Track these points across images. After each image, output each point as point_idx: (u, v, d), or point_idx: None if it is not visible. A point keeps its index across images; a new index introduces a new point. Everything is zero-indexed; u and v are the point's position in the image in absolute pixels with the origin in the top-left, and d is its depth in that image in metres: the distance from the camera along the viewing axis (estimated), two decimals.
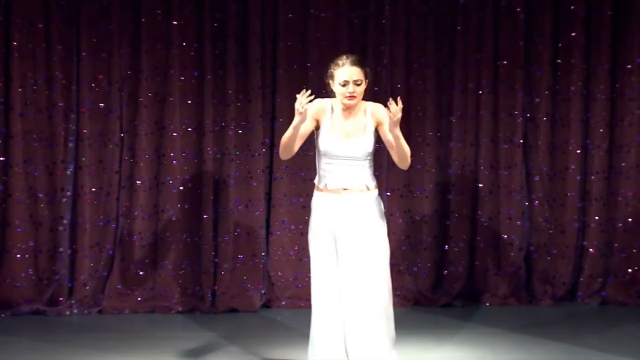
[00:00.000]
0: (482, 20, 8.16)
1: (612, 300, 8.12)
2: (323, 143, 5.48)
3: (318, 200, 5.57)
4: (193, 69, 7.95)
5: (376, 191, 5.57)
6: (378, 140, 5.55)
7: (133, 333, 7.19)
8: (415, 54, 8.16)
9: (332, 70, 5.44)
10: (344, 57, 5.49)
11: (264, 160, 8.05)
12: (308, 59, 8.07)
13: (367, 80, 5.45)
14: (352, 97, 5.35)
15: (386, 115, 5.44)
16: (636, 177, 8.20)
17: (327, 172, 5.53)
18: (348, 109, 5.46)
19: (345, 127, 5.45)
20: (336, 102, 5.50)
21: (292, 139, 5.43)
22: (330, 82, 5.46)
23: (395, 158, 5.48)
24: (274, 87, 8.09)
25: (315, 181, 5.62)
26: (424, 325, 7.27)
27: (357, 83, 5.34)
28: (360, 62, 5.47)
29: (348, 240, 5.48)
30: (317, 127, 5.53)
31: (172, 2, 7.87)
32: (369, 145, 5.47)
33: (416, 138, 8.15)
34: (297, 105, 5.22)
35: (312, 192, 7.99)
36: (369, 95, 7.42)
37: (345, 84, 5.31)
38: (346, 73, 5.34)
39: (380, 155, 7.96)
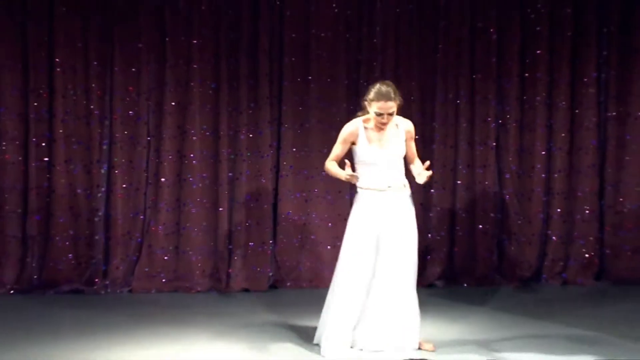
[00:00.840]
0: (460, 40, 8.40)
1: (572, 281, 8.38)
2: (365, 154, 5.79)
3: (363, 198, 5.86)
4: (210, 81, 8.16)
5: (409, 190, 5.91)
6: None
7: (159, 309, 7.40)
8: (403, 69, 8.36)
9: (369, 98, 5.73)
10: (381, 89, 5.73)
11: (271, 161, 8.26)
12: (310, 72, 8.28)
13: (398, 104, 5.72)
14: (385, 124, 5.72)
15: (412, 132, 5.97)
16: (592, 175, 8.47)
17: (370, 176, 5.82)
18: (378, 127, 5.79)
19: (380, 139, 5.80)
20: (367, 119, 5.85)
21: (334, 176, 5.94)
22: (367, 104, 5.77)
23: (410, 167, 5.96)
24: (280, 97, 8.29)
25: (358, 183, 5.87)
26: None
27: (390, 113, 5.66)
28: (393, 96, 5.72)
29: (391, 231, 5.78)
30: (353, 143, 5.86)
31: (193, 24, 8.10)
32: (402, 151, 5.84)
33: None
34: (346, 176, 5.70)
35: (313, 188, 8.38)
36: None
37: (380, 115, 5.65)
38: (381, 107, 5.64)
39: None
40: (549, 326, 6.60)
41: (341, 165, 5.86)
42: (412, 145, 5.98)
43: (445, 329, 6.58)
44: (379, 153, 5.80)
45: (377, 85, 5.75)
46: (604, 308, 7.50)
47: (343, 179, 5.83)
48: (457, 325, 6.71)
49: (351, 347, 5.80)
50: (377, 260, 5.80)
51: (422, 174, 5.77)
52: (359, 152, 5.85)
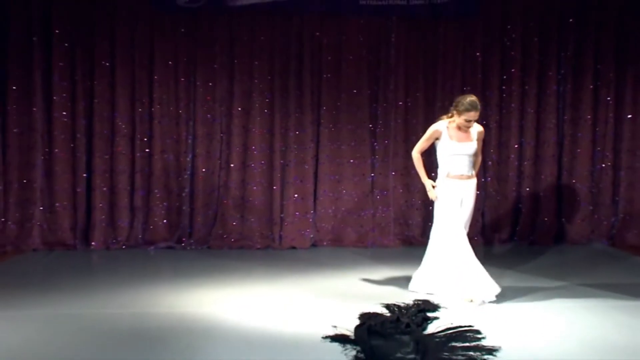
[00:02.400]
0: (455, 60, 8.82)
1: (537, 243, 8.80)
2: (448, 148, 6.11)
3: (444, 182, 6.18)
4: (267, 92, 8.64)
5: (476, 179, 6.29)
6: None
7: (229, 261, 7.80)
8: (411, 82, 8.78)
9: (461, 109, 6.02)
10: (471, 101, 6.02)
11: (312, 152, 8.72)
12: (341, 86, 8.70)
13: (480, 112, 6.14)
14: (469, 127, 6.12)
15: (483, 134, 6.30)
16: (553, 163, 8.94)
17: (450, 164, 6.16)
18: (463, 128, 6.13)
19: (460, 137, 6.14)
20: (451, 121, 6.15)
21: (417, 169, 6.38)
22: (456, 112, 6.07)
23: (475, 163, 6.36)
24: (320, 104, 8.71)
25: (440, 171, 6.22)
26: (417, 258, 7.17)
27: (475, 120, 6.11)
28: (479, 107, 6.09)
29: (465, 207, 6.17)
30: (437, 139, 6.21)
31: (254, 50, 8.58)
32: (474, 149, 6.17)
33: (411, 137, 8.55)
34: (429, 188, 6.23)
35: (343, 172, 8.66)
36: (382, 109, 8.59)
37: (468, 121, 6.05)
38: (470, 115, 6.02)
39: (386, 148, 8.67)
40: (519, 276, 7.03)
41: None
42: (480, 144, 6.28)
43: None
44: (458, 147, 6.11)
45: (468, 98, 6.06)
46: (563, 261, 8.04)
47: (423, 182, 6.33)
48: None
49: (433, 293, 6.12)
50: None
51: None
52: (443, 145, 6.16)
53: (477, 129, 6.25)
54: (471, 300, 5.99)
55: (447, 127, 6.19)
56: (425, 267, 6.37)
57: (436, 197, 6.23)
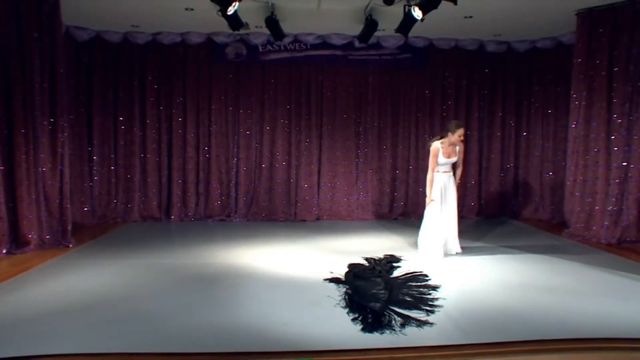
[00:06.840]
0: (411, 96, 8.62)
1: (465, 217, 8.53)
2: (441, 160, 5.84)
3: (437, 178, 5.92)
4: (286, 117, 8.56)
5: (453, 176, 5.99)
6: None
7: (261, 229, 7.67)
8: (382, 112, 8.67)
9: (453, 127, 5.78)
10: (459, 122, 5.84)
11: (316, 156, 8.61)
12: (336, 112, 8.61)
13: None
14: (461, 140, 5.84)
15: (463, 150, 5.97)
16: (475, 164, 8.77)
17: (441, 167, 5.91)
18: (451, 144, 5.86)
19: (448, 153, 5.89)
20: (443, 141, 5.86)
21: (428, 187, 5.87)
22: (451, 132, 5.78)
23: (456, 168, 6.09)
24: (322, 124, 8.61)
25: (435, 171, 5.92)
26: (386, 227, 7.77)
27: (464, 135, 5.96)
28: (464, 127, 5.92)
29: (449, 194, 5.94)
30: (436, 155, 5.88)
31: (278, 88, 8.46)
32: (455, 160, 5.92)
33: (382, 147, 8.65)
34: (430, 200, 5.85)
35: (337, 170, 8.49)
36: (363, 128, 8.35)
37: (461, 135, 5.78)
38: (462, 132, 5.77)
39: (366, 154, 8.51)
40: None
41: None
42: (461, 156, 5.96)
43: (406, 239, 6.82)
44: (446, 160, 5.86)
45: (455, 121, 5.89)
46: (481, 229, 7.73)
47: (427, 195, 5.89)
48: (413, 239, 6.71)
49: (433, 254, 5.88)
50: (442, 206, 5.93)
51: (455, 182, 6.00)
52: (441, 157, 5.86)
53: (459, 146, 5.93)
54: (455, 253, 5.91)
55: (441, 146, 5.85)
56: (423, 236, 5.99)
57: (431, 201, 5.91)
